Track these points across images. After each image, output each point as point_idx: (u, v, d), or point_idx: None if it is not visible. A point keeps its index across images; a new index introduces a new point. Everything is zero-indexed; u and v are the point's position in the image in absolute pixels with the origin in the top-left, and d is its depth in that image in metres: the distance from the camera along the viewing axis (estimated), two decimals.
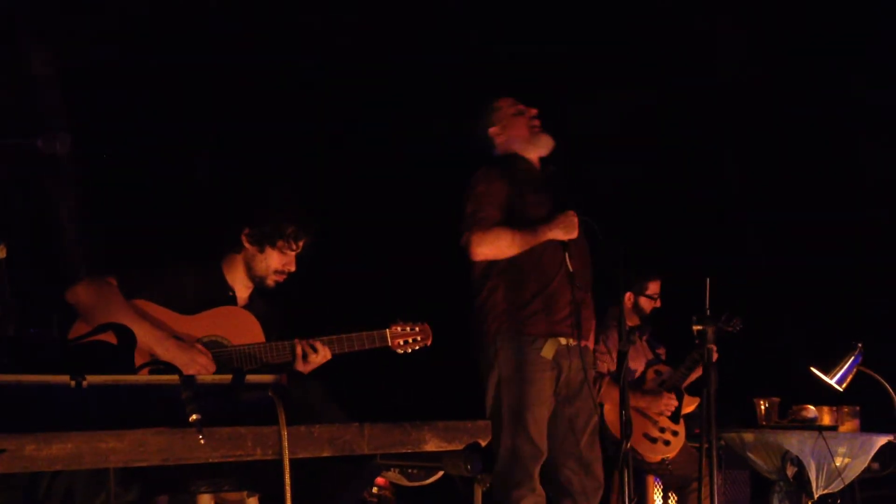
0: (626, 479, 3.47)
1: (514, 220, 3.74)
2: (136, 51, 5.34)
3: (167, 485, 2.21)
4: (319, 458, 2.01)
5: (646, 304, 5.13)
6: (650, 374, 5.07)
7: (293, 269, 3.38)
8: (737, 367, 4.71)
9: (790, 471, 4.77)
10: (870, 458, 4.82)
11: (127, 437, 1.76)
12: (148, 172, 5.59)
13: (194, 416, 1.82)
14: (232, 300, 3.36)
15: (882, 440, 4.84)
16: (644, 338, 5.18)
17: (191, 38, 5.43)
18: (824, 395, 4.84)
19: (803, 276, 6.40)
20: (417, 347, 3.42)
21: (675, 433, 4.91)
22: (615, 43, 6.08)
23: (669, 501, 5.13)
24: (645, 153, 6.37)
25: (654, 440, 4.88)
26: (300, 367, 3.21)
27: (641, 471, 4.91)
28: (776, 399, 5.02)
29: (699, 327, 3.67)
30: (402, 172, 6.02)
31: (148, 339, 2.99)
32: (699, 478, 4.03)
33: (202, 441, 1.82)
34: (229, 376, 1.98)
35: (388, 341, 3.37)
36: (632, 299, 5.12)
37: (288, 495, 1.92)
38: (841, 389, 4.74)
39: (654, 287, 5.15)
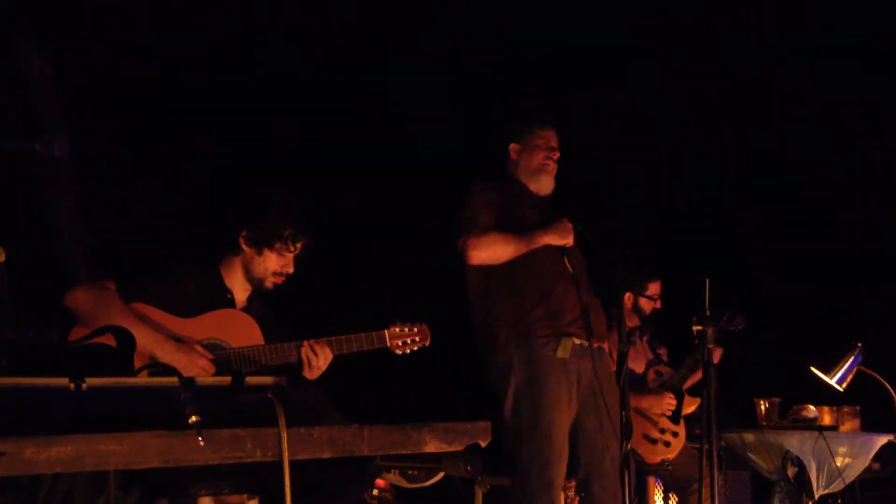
0: (626, 480, 3.47)
1: (507, 231, 3.78)
2: (135, 54, 5.33)
3: (167, 487, 2.21)
4: (319, 460, 2.01)
5: (646, 305, 5.12)
6: (650, 375, 5.07)
7: (291, 270, 3.38)
8: (737, 367, 4.71)
9: (791, 471, 4.76)
10: (870, 458, 4.81)
11: (127, 440, 1.76)
12: (146, 175, 5.58)
13: (194, 419, 1.82)
14: (230, 302, 3.36)
15: (882, 440, 4.83)
16: (644, 338, 5.18)
17: (190, 40, 5.43)
18: (825, 395, 4.84)
19: (803, 276, 6.40)
20: (416, 348, 3.42)
21: (675, 434, 4.91)
22: (615, 43, 6.08)
23: (670, 502, 5.13)
24: (645, 153, 6.37)
25: (654, 441, 4.88)
26: (306, 373, 3.21)
27: (642, 472, 4.91)
28: (776, 399, 5.02)
29: (699, 328, 3.67)
30: (400, 173, 6.01)
31: (147, 341, 2.99)
32: (700, 478, 4.03)
33: (202, 443, 1.81)
34: (229, 378, 1.98)
35: (386, 342, 3.38)
36: (632, 300, 5.11)
37: (288, 497, 1.92)
38: (841, 389, 4.74)
39: (654, 287, 5.14)
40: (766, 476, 4.97)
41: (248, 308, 3.39)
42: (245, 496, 2.42)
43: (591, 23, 6.05)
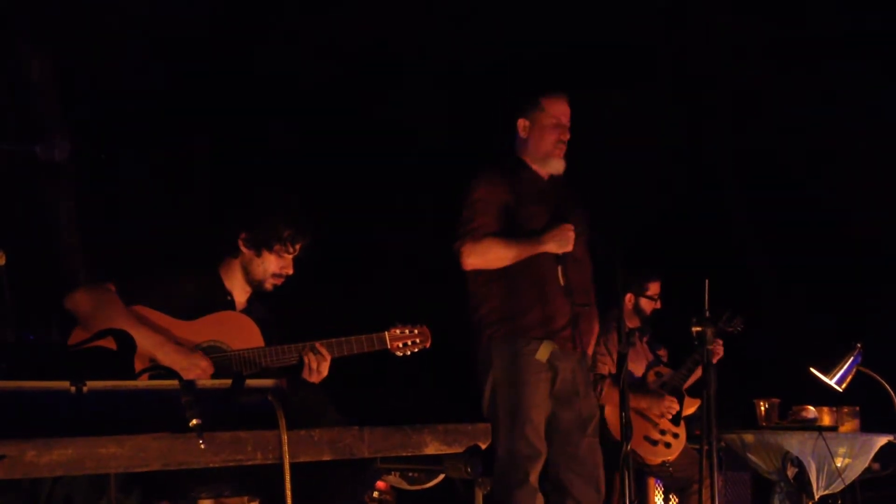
0: (626, 481, 3.46)
1: (511, 229, 3.73)
2: (135, 56, 5.34)
3: (168, 490, 2.21)
4: (320, 462, 2.01)
5: (646, 306, 5.12)
6: (651, 377, 5.07)
7: (291, 272, 3.38)
8: (737, 368, 4.71)
9: (791, 472, 4.76)
10: (870, 458, 4.81)
11: (127, 443, 1.76)
12: (146, 178, 5.59)
13: (195, 421, 1.82)
14: (230, 305, 3.36)
15: (882, 440, 4.83)
16: (644, 339, 5.18)
17: (189, 42, 5.43)
18: (824, 396, 4.84)
19: (803, 276, 6.40)
20: (416, 350, 3.42)
21: (675, 435, 4.91)
22: (613, 43, 6.08)
23: (670, 503, 5.13)
24: (645, 154, 6.37)
25: (654, 442, 4.88)
26: (307, 375, 3.21)
27: (642, 473, 4.91)
28: (776, 400, 5.02)
29: (698, 328, 3.67)
30: (400, 174, 6.02)
31: (147, 344, 2.98)
32: (700, 479, 4.04)
33: (203, 446, 1.82)
34: (229, 381, 1.98)
35: (387, 344, 3.37)
36: (632, 300, 5.11)
37: (289, 500, 1.92)
38: (841, 390, 4.74)
39: (654, 288, 5.14)
40: (766, 477, 4.97)
41: (248, 310, 3.39)
42: (246, 498, 2.41)
43: (591, 23, 6.05)
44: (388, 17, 5.88)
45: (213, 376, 3.04)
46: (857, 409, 4.92)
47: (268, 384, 2.00)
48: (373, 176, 5.96)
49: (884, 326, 5.60)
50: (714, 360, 4.09)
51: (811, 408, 4.87)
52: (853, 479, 4.80)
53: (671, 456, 4.87)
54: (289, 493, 1.91)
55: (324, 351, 3.25)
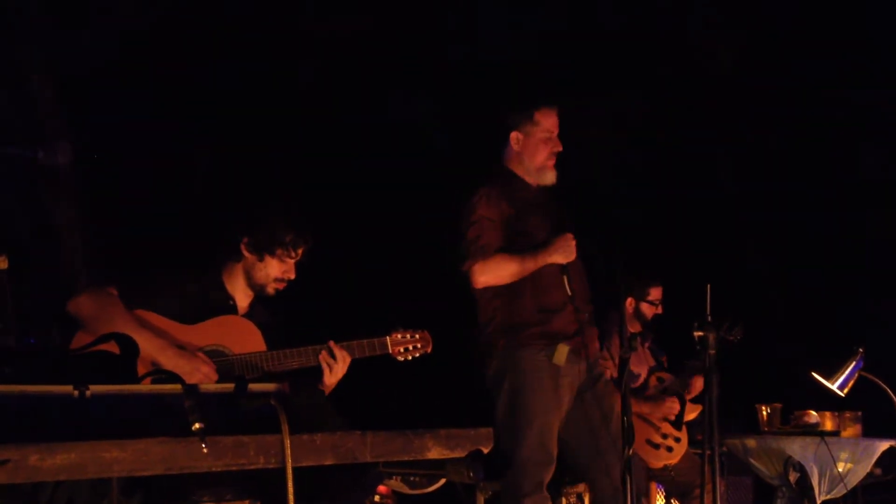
0: (628, 486, 3.46)
1: (514, 242, 3.77)
2: (135, 60, 5.34)
3: (170, 494, 2.21)
4: (322, 467, 2.01)
5: (647, 310, 5.12)
6: (652, 381, 5.07)
7: (293, 276, 3.38)
8: (739, 373, 4.71)
9: (793, 476, 4.76)
10: (872, 463, 4.81)
11: (130, 447, 1.77)
12: (147, 182, 5.59)
13: (197, 425, 1.82)
14: (233, 309, 3.36)
15: (884, 445, 4.83)
16: (646, 344, 5.18)
17: (189, 46, 5.44)
18: (826, 401, 4.83)
19: (804, 281, 6.40)
20: (418, 355, 3.42)
21: (677, 439, 4.91)
22: (613, 43, 6.08)
23: None
24: (646, 158, 6.37)
25: (656, 446, 4.88)
26: (327, 380, 3.22)
27: (646, 476, 4.91)
28: (778, 405, 5.02)
29: (700, 333, 3.68)
30: (401, 179, 6.02)
31: (150, 348, 2.99)
32: (702, 484, 4.03)
33: (205, 450, 1.82)
34: (232, 385, 1.98)
35: (388, 349, 3.38)
36: (633, 305, 5.11)
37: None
38: (843, 395, 4.74)
39: (655, 293, 5.14)
40: (768, 481, 4.97)
41: (251, 314, 3.39)
42: (248, 502, 2.41)
43: (591, 24, 6.06)
44: (388, 17, 5.89)
45: (215, 381, 3.04)
46: (860, 413, 4.92)
47: (270, 388, 2.01)
48: (375, 180, 5.97)
49: (885, 332, 5.60)
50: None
51: (813, 412, 4.87)
52: (855, 484, 4.79)
53: (673, 460, 4.87)
54: (291, 497, 1.91)
55: (343, 353, 3.25)
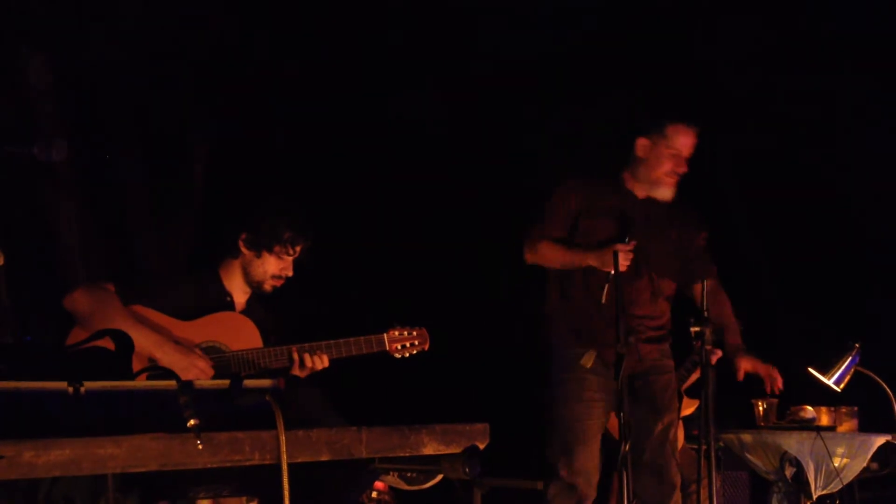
0: (625, 481, 3.47)
1: (576, 236, 3.87)
2: (132, 57, 5.34)
3: (166, 491, 2.21)
4: (318, 463, 2.02)
5: None
6: None
7: (290, 274, 3.39)
8: (735, 368, 4.71)
9: (789, 471, 4.76)
10: (868, 458, 4.80)
11: (125, 443, 1.77)
12: (145, 178, 5.59)
13: (192, 422, 1.82)
14: (230, 305, 3.37)
15: (880, 440, 4.83)
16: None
17: (186, 43, 5.44)
18: (822, 396, 4.83)
19: (801, 276, 6.40)
20: (415, 352, 3.43)
21: None
22: (612, 43, 6.08)
23: None
24: None
25: None
26: (297, 372, 3.22)
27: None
28: (774, 400, 5.01)
29: (697, 328, 3.68)
30: (400, 175, 6.02)
31: (146, 343, 2.99)
32: (698, 479, 4.03)
33: (200, 446, 1.82)
34: (227, 381, 1.98)
35: (385, 346, 3.38)
36: None
37: (287, 500, 1.92)
38: (839, 390, 4.74)
39: None
40: (765, 476, 4.97)
41: (248, 311, 3.39)
42: (244, 499, 2.42)
43: (591, 24, 6.05)
44: (387, 16, 5.89)
45: (211, 377, 3.04)
46: (856, 409, 4.92)
47: (266, 384, 2.01)
48: (373, 177, 5.97)
49: (881, 327, 5.60)
50: (713, 361, 4.10)
51: (809, 408, 4.87)
52: (851, 478, 4.79)
53: None
54: (286, 493, 1.92)
55: (322, 354, 3.26)
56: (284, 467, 1.91)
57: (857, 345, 4.71)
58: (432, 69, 6.08)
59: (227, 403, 1.95)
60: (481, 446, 2.20)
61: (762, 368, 4.10)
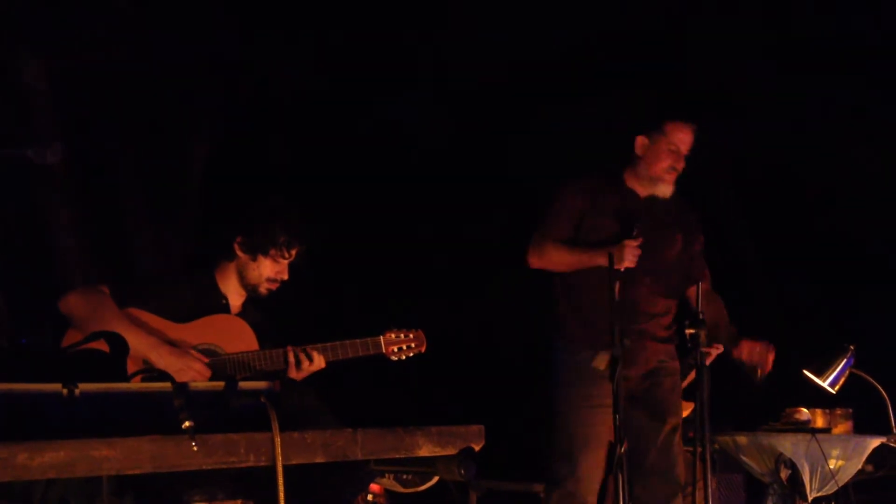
0: (621, 483, 3.47)
1: (578, 237, 3.86)
2: (128, 59, 5.34)
3: (161, 493, 2.21)
4: (313, 465, 2.02)
5: None
6: None
7: (286, 277, 3.38)
8: (730, 370, 4.72)
9: (784, 473, 4.76)
10: (863, 459, 4.81)
11: (119, 445, 1.77)
12: (140, 181, 5.59)
13: (187, 424, 1.82)
14: (225, 308, 3.36)
15: (875, 442, 4.83)
16: None
17: (183, 45, 5.44)
18: (817, 398, 4.84)
19: (795, 278, 6.41)
20: (412, 354, 3.43)
21: None
22: (610, 44, 6.09)
23: None
24: None
25: None
26: (293, 374, 3.22)
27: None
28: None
29: (692, 331, 3.68)
30: (396, 180, 6.02)
31: (141, 345, 2.99)
32: (693, 481, 4.04)
33: (195, 448, 1.82)
34: (222, 383, 1.98)
35: (381, 348, 3.38)
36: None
37: (281, 502, 1.92)
38: (834, 392, 4.75)
39: None
40: (760, 478, 4.97)
41: (243, 314, 3.39)
42: (240, 501, 2.42)
43: (590, 25, 6.06)
44: (386, 18, 5.89)
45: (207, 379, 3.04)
46: (851, 411, 4.93)
47: (261, 386, 2.01)
48: (369, 182, 5.97)
49: (876, 329, 5.62)
50: (713, 356, 4.13)
51: (804, 410, 4.87)
52: (846, 480, 4.80)
53: None
54: (281, 495, 1.92)
55: (318, 356, 3.25)
56: (279, 469, 1.91)
57: (851, 347, 4.72)
58: (432, 69, 6.09)
59: (221, 405, 1.94)
60: (477, 448, 2.20)
61: (761, 352, 4.07)
